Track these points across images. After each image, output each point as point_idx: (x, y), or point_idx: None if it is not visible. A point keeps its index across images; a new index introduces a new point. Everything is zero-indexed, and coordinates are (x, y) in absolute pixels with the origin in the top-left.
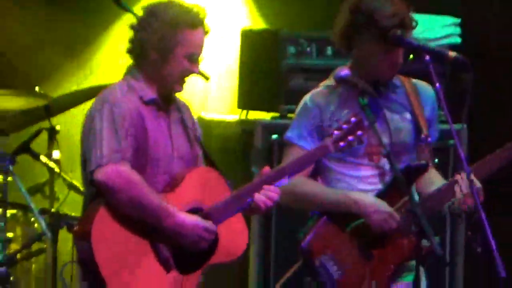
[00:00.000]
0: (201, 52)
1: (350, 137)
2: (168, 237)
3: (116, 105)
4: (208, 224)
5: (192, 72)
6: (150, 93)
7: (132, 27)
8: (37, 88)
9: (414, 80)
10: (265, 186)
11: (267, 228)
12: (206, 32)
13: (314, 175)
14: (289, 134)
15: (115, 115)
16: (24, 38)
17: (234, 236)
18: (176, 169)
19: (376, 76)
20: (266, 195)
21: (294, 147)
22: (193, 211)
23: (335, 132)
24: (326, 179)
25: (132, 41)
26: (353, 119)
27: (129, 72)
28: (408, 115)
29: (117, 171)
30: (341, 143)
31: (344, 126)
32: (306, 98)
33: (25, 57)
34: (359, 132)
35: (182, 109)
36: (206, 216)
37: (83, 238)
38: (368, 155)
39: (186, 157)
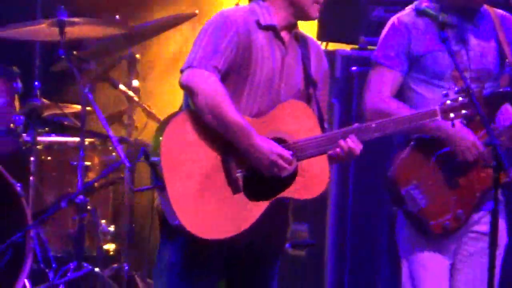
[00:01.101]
0: None
1: (464, 111)
2: (243, 157)
3: (226, 19)
4: (286, 152)
5: None
6: (270, 19)
7: None
8: (117, 17)
9: (498, 10)
10: (351, 137)
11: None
12: None
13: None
14: (375, 54)
15: (221, 27)
16: None
17: (314, 177)
18: (281, 101)
19: (466, 1)
20: (347, 144)
21: (380, 67)
22: (277, 141)
23: (449, 102)
24: (409, 102)
25: None
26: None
27: (255, 1)
28: (493, 42)
29: (204, 76)
30: (452, 114)
31: (461, 98)
32: (394, 18)
33: None
34: (474, 109)
35: (309, 48)
36: (288, 148)
37: (156, 136)
38: (453, 79)
39: (295, 92)
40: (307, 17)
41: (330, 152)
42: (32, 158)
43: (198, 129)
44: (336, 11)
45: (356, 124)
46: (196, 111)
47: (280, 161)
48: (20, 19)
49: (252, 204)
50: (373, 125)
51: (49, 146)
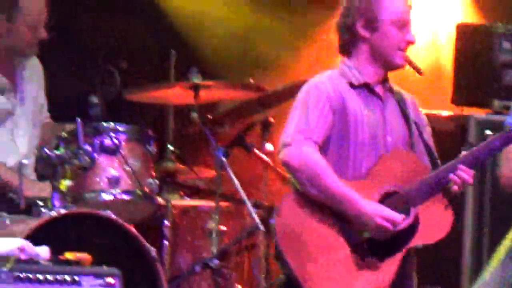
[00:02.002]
0: (408, 18)
1: None
2: (353, 223)
3: (315, 87)
4: (390, 213)
5: (406, 40)
6: (361, 78)
7: (338, 22)
8: (251, 80)
9: None
10: (460, 167)
11: (481, 215)
12: None
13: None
14: (508, 120)
15: (311, 97)
16: (239, 29)
17: (437, 218)
18: None
19: None
20: (459, 176)
21: None
22: (388, 195)
23: None
24: None
25: (340, 36)
26: None
27: (342, 62)
28: None
29: (298, 151)
30: None
31: None
32: None
33: (240, 48)
34: None
35: (404, 100)
36: (402, 198)
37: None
38: None
39: (401, 142)
40: (393, 66)
41: (441, 189)
42: (166, 222)
43: (307, 205)
44: (470, 75)
45: (462, 153)
46: (300, 188)
47: (385, 223)
48: (153, 81)
49: (384, 263)
50: (469, 155)
51: (184, 210)
